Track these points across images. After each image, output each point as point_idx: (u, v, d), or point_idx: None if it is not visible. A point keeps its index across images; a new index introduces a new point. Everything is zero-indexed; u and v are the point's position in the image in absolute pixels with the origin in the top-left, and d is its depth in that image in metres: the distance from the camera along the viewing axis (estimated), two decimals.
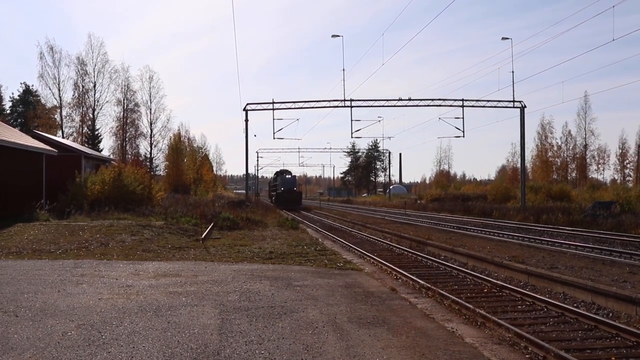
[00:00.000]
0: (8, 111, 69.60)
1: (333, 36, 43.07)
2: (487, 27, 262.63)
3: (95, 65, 64.01)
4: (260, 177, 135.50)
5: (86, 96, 63.68)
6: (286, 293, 10.11)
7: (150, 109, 70.37)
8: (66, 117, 63.00)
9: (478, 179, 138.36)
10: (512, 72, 58.82)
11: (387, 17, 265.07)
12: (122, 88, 67.12)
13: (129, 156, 65.33)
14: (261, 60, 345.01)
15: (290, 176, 66.24)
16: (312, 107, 47.58)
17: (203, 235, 19.84)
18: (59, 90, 61.76)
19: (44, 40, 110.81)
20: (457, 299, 10.54)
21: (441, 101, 46.66)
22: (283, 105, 47.25)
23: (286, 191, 60.94)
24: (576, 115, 78.18)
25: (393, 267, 14.85)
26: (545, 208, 38.67)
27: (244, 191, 74.16)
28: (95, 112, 64.70)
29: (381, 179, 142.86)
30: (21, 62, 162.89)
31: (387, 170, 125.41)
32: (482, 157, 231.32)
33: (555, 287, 11.93)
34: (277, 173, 73.24)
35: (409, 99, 46.47)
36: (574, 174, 78.75)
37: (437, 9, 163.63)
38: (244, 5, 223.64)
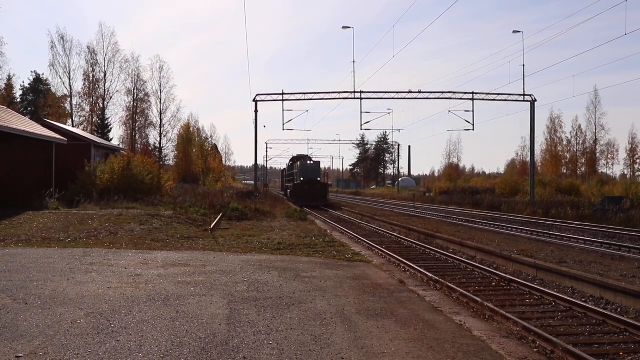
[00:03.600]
0: (19, 100, 69.97)
1: (344, 28, 42.57)
2: (497, 20, 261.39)
3: (105, 55, 64.25)
4: (269, 168, 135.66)
5: (96, 85, 63.95)
6: (294, 284, 10.13)
7: (160, 99, 70.63)
8: (76, 106, 63.35)
9: (487, 172, 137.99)
10: (523, 65, 58.03)
11: (398, 9, 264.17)
12: (132, 78, 67.38)
13: (139, 146, 65.51)
14: (271, 51, 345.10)
15: (312, 162, 49.81)
16: (322, 99, 47.44)
17: (212, 226, 19.88)
18: (69, 79, 62.04)
19: (55, 30, 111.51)
20: (465, 292, 10.52)
21: (451, 94, 46.40)
22: (293, 97, 47.08)
23: (307, 182, 46.34)
24: (586, 110, 77.77)
25: (401, 259, 14.85)
26: (554, 202, 38.49)
27: (252, 182, 73.75)
28: (105, 102, 64.99)
29: (390, 171, 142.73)
30: (32, 50, 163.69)
31: (396, 163, 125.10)
32: (491, 151, 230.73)
33: (563, 281, 11.90)
34: (293, 159, 58.26)
35: (419, 92, 46.24)
36: (583, 169, 78.33)
37: (448, 2, 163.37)
38: None
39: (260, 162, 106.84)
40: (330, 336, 6.76)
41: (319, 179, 47.86)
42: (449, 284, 11.26)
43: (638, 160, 75.62)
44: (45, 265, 11.39)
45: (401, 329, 7.24)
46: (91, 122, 64.08)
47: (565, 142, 78.92)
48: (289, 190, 53.91)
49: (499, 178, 78.36)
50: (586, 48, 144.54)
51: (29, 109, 68.01)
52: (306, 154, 61.95)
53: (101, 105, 64.79)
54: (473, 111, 47.12)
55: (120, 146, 54.55)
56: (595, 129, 76.17)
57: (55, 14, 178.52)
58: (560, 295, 10.35)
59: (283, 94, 46.83)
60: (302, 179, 46.69)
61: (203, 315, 7.60)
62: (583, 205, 34.40)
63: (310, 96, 47.18)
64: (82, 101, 63.69)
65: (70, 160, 29.82)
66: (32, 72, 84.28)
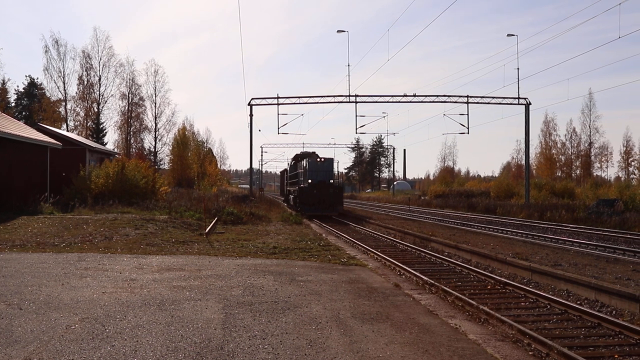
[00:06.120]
0: (13, 104, 69.68)
1: (338, 31, 42.47)
2: (492, 24, 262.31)
3: (100, 59, 64.29)
4: (264, 171, 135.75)
5: (91, 90, 63.88)
6: (290, 288, 10.12)
7: (155, 103, 70.66)
8: (71, 110, 63.29)
9: (482, 176, 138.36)
10: (517, 68, 58.33)
11: (392, 13, 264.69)
12: (127, 82, 67.36)
13: (133, 150, 65.41)
14: (266, 54, 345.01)
15: (322, 160, 38.14)
16: (317, 103, 47.52)
17: (207, 230, 19.85)
18: (64, 83, 62.00)
19: (49, 34, 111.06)
20: (460, 295, 10.52)
21: (446, 97, 46.54)
22: (288, 100, 47.15)
23: (317, 185, 35.99)
24: (580, 113, 78.01)
25: (397, 263, 14.84)
26: (549, 205, 38.60)
27: (248, 186, 73.47)
28: (100, 106, 64.84)
29: (385, 174, 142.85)
30: (26, 54, 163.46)
31: (391, 166, 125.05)
32: (486, 154, 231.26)
33: (558, 284, 11.91)
34: (297, 157, 44.76)
35: (414, 95, 46.43)
36: (578, 172, 78.59)
37: (443, 5, 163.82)
38: None
39: (256, 165, 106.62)
40: (326, 340, 6.75)
41: (331, 181, 37.38)
42: (444, 287, 11.26)
43: (632, 163, 75.91)
44: (40, 270, 11.35)
45: (396, 332, 7.24)
46: (86, 127, 63.95)
47: (559, 145, 79.32)
48: (291, 196, 43.20)
49: (493, 181, 78.54)
50: (580, 51, 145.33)
51: (24, 113, 67.77)
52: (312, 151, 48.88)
53: (96, 110, 64.72)
54: (468, 114, 46.96)
55: (115, 150, 54.42)
56: (590, 132, 76.50)
57: (50, 18, 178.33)
58: (555, 298, 10.36)
59: (278, 97, 46.87)
60: (310, 181, 36.48)
61: (198, 319, 7.58)
62: (578, 208, 34.50)
63: (305, 100, 47.27)
64: (77, 105, 63.69)
65: (65, 164, 29.77)
66: (26, 76, 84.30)
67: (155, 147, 71.12)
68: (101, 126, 65.38)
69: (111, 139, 70.81)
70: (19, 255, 13.71)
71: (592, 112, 76.16)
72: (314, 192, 35.88)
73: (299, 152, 46.83)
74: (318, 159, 38.19)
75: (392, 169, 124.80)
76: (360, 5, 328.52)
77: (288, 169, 51.42)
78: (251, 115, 47.94)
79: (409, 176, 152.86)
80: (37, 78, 72.03)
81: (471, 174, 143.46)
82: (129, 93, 67.35)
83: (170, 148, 72.26)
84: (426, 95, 46.75)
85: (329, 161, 38.31)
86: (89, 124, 64.53)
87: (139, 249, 15.28)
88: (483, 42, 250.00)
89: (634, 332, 8.07)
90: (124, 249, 15.15)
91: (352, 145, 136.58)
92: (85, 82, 63.21)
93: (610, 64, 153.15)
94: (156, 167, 64.36)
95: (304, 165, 38.59)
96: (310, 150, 56.50)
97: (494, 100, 46.55)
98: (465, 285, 12.36)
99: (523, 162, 54.62)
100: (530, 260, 14.16)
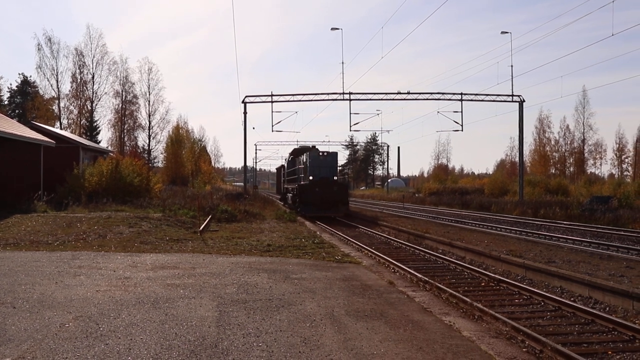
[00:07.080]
0: (6, 102, 69.40)
1: (332, 29, 42.42)
2: (486, 21, 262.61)
3: (93, 57, 63.90)
4: (258, 169, 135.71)
5: (84, 88, 63.55)
6: (284, 286, 10.11)
7: (149, 101, 70.25)
8: (64, 108, 62.93)
9: (476, 173, 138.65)
10: (511, 66, 58.57)
11: (386, 11, 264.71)
12: (120, 80, 67.02)
13: (127, 148, 65.20)
14: (260, 52, 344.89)
15: (325, 154, 33.84)
16: (311, 100, 47.47)
17: (201, 228, 19.81)
18: (57, 81, 61.62)
19: (42, 32, 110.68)
20: (454, 292, 10.55)
21: (440, 95, 46.52)
22: (282, 98, 47.03)
23: (319, 182, 31.81)
24: (574, 110, 78.31)
25: (391, 260, 14.87)
26: (543, 202, 38.73)
27: (242, 184, 73.26)
28: (94, 104, 64.59)
29: (379, 172, 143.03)
30: (19, 52, 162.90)
31: (386, 164, 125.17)
32: (480, 151, 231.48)
33: (552, 281, 11.95)
34: (296, 152, 40.82)
35: (408, 93, 46.35)
36: (571, 169, 78.82)
37: (436, 3, 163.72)
38: None
39: (250, 163, 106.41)
40: (320, 338, 6.75)
41: (335, 177, 32.96)
42: (439, 285, 11.29)
43: (626, 160, 76.24)
44: (34, 269, 11.31)
45: (391, 329, 7.25)
46: (79, 125, 63.67)
47: (553, 142, 79.55)
48: (290, 195, 39.14)
49: (488, 178, 78.75)
50: (574, 48, 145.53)
51: (17, 111, 67.48)
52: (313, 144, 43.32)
53: (89, 108, 64.40)
54: (462, 112, 46.98)
55: (109, 148, 54.24)
56: (584, 129, 76.75)
57: (43, 16, 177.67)
58: (549, 295, 10.40)
59: (272, 95, 46.73)
60: (311, 178, 32.22)
61: (192, 317, 7.57)
62: (571, 205, 34.63)
63: (299, 97, 47.17)
64: (70, 103, 63.35)
65: (59, 162, 29.62)
66: (19, 74, 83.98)
67: (149, 145, 70.84)
68: (95, 124, 65.11)
69: (105, 137, 70.63)
70: (13, 253, 13.66)
71: (585, 110, 76.51)
72: (316, 190, 31.67)
73: (297, 147, 42.85)
74: (320, 153, 33.78)
75: (386, 167, 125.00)
76: (354, 3, 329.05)
77: (285, 165, 47.13)
78: (245, 112, 47.79)
79: (403, 174, 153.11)
80: (30, 76, 71.68)
81: (465, 171, 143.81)
82: (122, 91, 67.11)
83: (164, 146, 72.10)
84: (420, 93, 46.73)
85: (333, 155, 33.99)
86: (82, 122, 64.26)
87: (132, 247, 15.24)
88: (477, 40, 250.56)
89: (627, 328, 8.11)
90: (118, 247, 15.11)
91: (347, 143, 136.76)
92: (79, 80, 62.89)
93: (603, 61, 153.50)
94: (150, 165, 64.17)
95: (304, 160, 34.19)
96: None
97: (488, 98, 46.59)
98: (460, 283, 12.40)
99: (517, 159, 54.75)
100: (524, 258, 14.21)
